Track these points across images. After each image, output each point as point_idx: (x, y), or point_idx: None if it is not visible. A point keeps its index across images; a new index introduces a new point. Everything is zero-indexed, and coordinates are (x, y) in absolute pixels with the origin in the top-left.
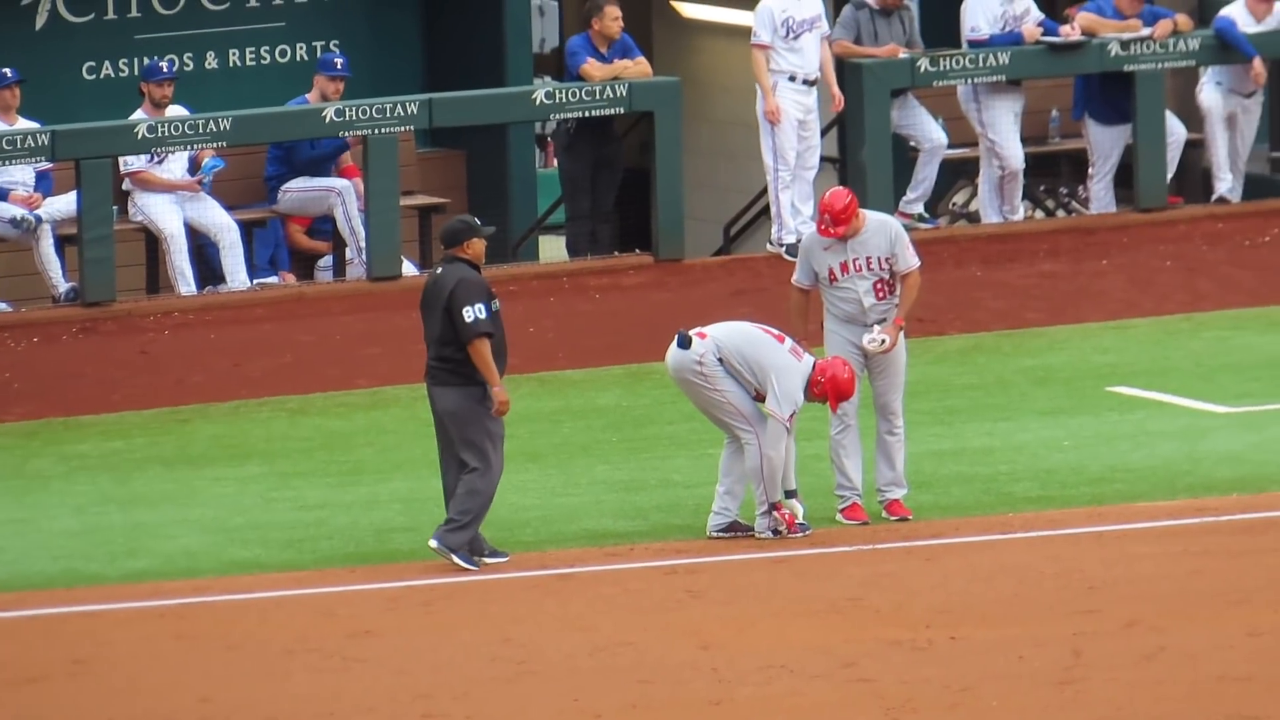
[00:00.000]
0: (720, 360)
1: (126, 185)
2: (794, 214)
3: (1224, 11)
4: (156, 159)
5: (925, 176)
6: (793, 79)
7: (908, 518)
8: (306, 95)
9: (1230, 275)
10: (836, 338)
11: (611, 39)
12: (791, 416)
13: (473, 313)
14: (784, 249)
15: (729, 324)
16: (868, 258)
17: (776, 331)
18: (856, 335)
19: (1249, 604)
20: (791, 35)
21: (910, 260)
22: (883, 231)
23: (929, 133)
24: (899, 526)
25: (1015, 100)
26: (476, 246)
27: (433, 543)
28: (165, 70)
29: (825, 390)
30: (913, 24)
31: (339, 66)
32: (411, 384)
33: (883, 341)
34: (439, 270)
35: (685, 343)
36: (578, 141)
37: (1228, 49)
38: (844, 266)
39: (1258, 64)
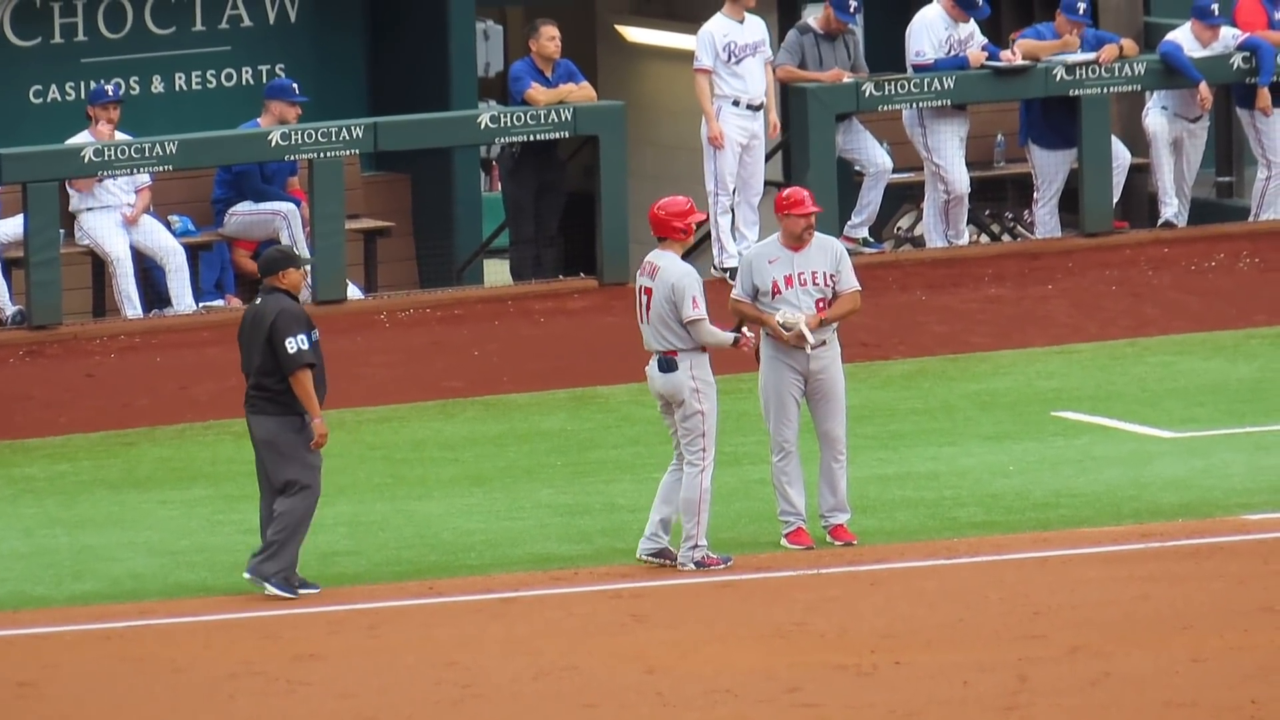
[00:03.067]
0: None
1: (74, 205)
2: (739, 239)
3: (1170, 36)
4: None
5: (870, 201)
6: (736, 103)
7: (852, 542)
8: (258, 120)
9: (1175, 300)
10: (775, 364)
11: (550, 59)
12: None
13: (295, 344)
14: (726, 273)
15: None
16: (813, 272)
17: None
18: (798, 362)
19: (1194, 629)
20: (734, 60)
21: (853, 281)
22: (828, 248)
23: (874, 157)
24: (843, 551)
25: (960, 124)
26: (293, 277)
27: (246, 574)
28: (111, 94)
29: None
30: (857, 48)
31: (297, 92)
32: (356, 407)
33: (795, 322)
34: (258, 300)
35: (669, 365)
36: (522, 165)
37: (1173, 74)
38: (789, 280)
39: (1203, 88)
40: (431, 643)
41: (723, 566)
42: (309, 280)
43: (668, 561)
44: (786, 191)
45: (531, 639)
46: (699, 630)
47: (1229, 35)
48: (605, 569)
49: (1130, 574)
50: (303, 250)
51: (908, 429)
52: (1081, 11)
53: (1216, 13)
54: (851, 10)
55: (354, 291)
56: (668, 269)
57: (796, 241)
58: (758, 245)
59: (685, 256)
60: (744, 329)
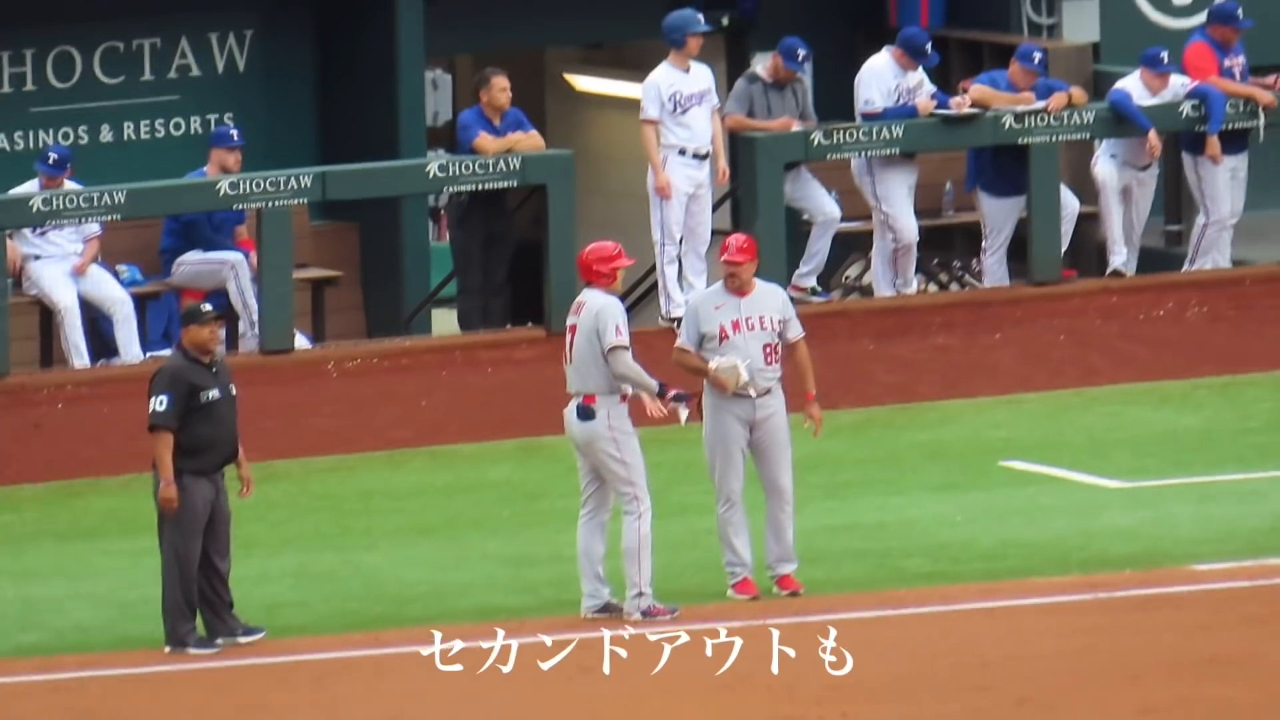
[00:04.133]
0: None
1: (24, 248)
2: (686, 288)
3: (1119, 84)
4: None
5: (818, 250)
6: (683, 153)
7: (799, 592)
8: (204, 169)
9: (1124, 349)
10: (721, 414)
11: (501, 109)
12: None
13: (152, 404)
14: (674, 322)
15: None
16: (760, 316)
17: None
18: (744, 410)
19: (1141, 681)
20: (680, 109)
21: (800, 328)
22: (774, 294)
23: (822, 206)
24: (789, 602)
25: (909, 173)
26: (191, 333)
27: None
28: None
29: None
30: (805, 96)
31: (235, 138)
32: (304, 457)
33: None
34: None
35: (587, 414)
36: (470, 214)
37: (1123, 122)
38: (735, 324)
39: (1153, 136)
40: (377, 694)
41: (669, 617)
42: (255, 330)
43: (613, 614)
44: (728, 239)
45: (479, 691)
46: (646, 682)
47: (1178, 84)
48: (552, 619)
49: (1078, 625)
50: (251, 301)
51: (855, 478)
52: (1037, 61)
53: (1165, 60)
54: (799, 59)
55: (302, 341)
56: (592, 301)
57: (738, 287)
58: (702, 291)
59: (633, 305)
60: (682, 402)
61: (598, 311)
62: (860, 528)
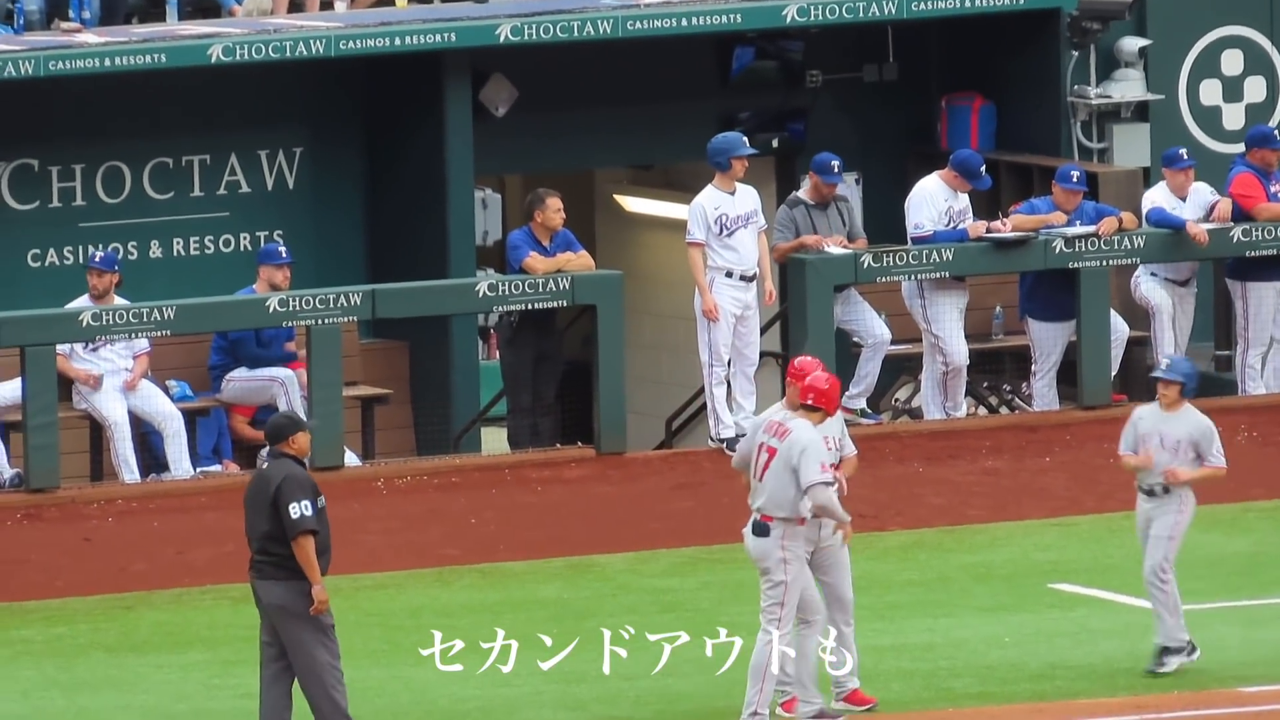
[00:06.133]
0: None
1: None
2: (736, 409)
3: (1146, 196)
4: (91, 349)
5: (868, 372)
6: (729, 274)
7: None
8: (254, 286)
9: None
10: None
11: (554, 230)
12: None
13: (299, 509)
14: (723, 444)
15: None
16: (825, 437)
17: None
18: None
19: None
20: (726, 232)
21: (853, 446)
22: (834, 417)
23: (872, 328)
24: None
25: (959, 296)
26: (300, 442)
27: None
28: (100, 261)
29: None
30: (852, 215)
31: (283, 255)
32: (354, 574)
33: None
34: (264, 465)
35: (763, 530)
36: (520, 334)
37: (1172, 246)
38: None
39: (1192, 227)
40: None
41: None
42: None
43: None
44: (798, 360)
45: None
46: None
47: (1205, 190)
48: None
49: None
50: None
51: (904, 600)
52: (1075, 180)
53: (1185, 156)
54: (835, 170)
55: (351, 458)
56: (799, 435)
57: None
58: (768, 411)
59: (680, 427)
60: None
61: (804, 449)
62: (909, 649)
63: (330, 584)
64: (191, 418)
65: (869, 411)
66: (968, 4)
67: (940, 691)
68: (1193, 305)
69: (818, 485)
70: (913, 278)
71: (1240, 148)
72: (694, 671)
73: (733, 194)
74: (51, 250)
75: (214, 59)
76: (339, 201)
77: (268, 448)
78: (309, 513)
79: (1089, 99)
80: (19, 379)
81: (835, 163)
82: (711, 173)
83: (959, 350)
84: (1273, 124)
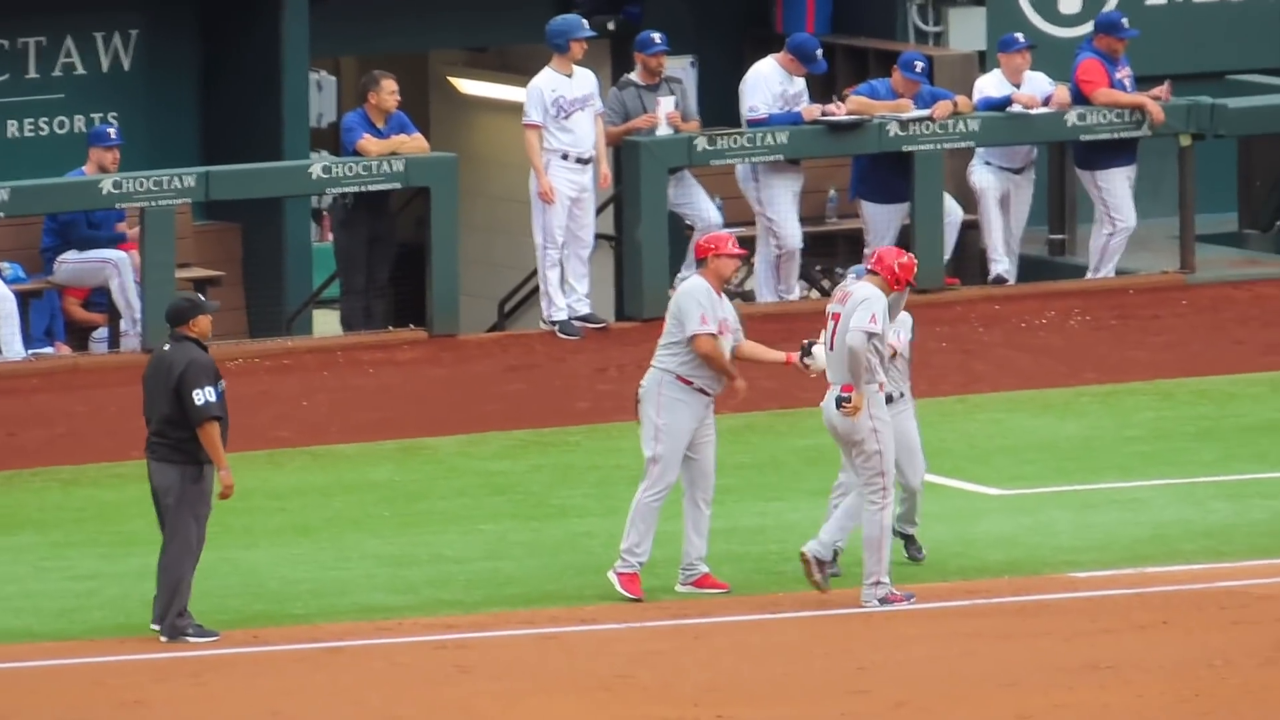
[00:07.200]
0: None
1: None
2: (569, 291)
3: (980, 89)
4: None
5: None
6: (565, 157)
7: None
8: (83, 168)
9: (1006, 357)
10: (682, 410)
11: (388, 112)
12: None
13: (202, 395)
14: (556, 326)
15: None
16: (723, 318)
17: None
18: (700, 409)
19: (1019, 687)
20: (563, 114)
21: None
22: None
23: (704, 212)
24: (668, 604)
25: (793, 179)
26: (202, 324)
27: (162, 638)
28: None
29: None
30: (686, 97)
31: (112, 136)
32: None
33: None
34: (166, 347)
35: (846, 402)
36: (354, 216)
37: (1007, 130)
38: (725, 322)
39: (1019, 96)
40: (256, 692)
41: (906, 604)
42: (137, 328)
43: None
44: (711, 236)
45: (355, 689)
46: (523, 682)
47: (1043, 80)
48: (430, 620)
49: (956, 631)
50: (134, 300)
51: (735, 483)
52: (919, 70)
53: (1021, 40)
54: (656, 42)
55: None
56: (859, 291)
57: (720, 284)
58: (697, 282)
59: (513, 310)
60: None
61: (864, 300)
62: (739, 532)
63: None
64: (25, 299)
65: None
66: None
67: (771, 575)
68: (1029, 192)
69: (864, 334)
70: (747, 161)
71: (1077, 32)
72: (524, 555)
73: (570, 77)
74: None
75: None
76: (174, 84)
77: (169, 330)
78: (213, 399)
79: None
80: None
81: (656, 35)
82: (548, 55)
83: (793, 233)
84: (1109, 7)
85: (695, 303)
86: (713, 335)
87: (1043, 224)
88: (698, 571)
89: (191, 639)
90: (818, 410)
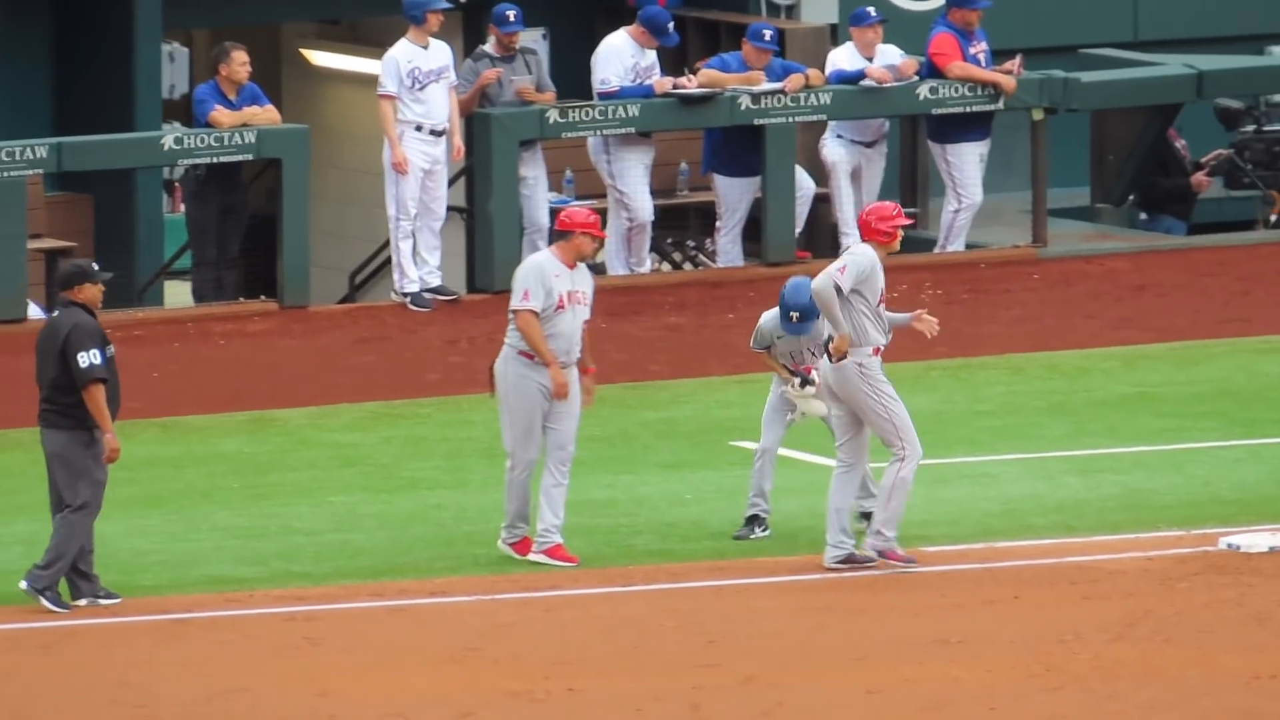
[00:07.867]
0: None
1: None
2: (420, 264)
3: (832, 62)
4: None
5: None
6: (419, 129)
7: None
8: None
9: None
10: (528, 383)
11: (239, 83)
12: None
13: (87, 358)
14: (407, 298)
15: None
16: (582, 291)
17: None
18: (548, 380)
19: (868, 661)
20: (418, 85)
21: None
22: (586, 273)
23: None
24: (518, 577)
25: (645, 153)
26: (90, 291)
27: (23, 584)
28: None
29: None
30: (540, 68)
31: None
32: (34, 427)
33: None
34: (55, 314)
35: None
36: (206, 188)
37: (859, 103)
38: (572, 295)
39: (871, 70)
40: (106, 663)
41: (903, 565)
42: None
43: (855, 565)
44: (574, 210)
45: (204, 661)
46: (372, 654)
47: (893, 52)
48: (280, 591)
49: (805, 604)
50: None
51: (585, 456)
52: (768, 39)
53: (873, 14)
54: (511, 20)
55: (35, 311)
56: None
57: (577, 260)
58: (539, 257)
59: (364, 281)
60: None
61: (849, 252)
62: (590, 504)
63: (12, 436)
64: None
65: None
66: None
67: (621, 549)
68: (881, 165)
69: (831, 287)
70: (599, 134)
71: (929, 6)
72: (374, 527)
73: (426, 48)
74: None
75: None
76: (25, 54)
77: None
78: (98, 361)
79: None
80: None
81: (512, 12)
82: (400, 28)
83: (644, 206)
84: None
85: (523, 278)
86: (533, 312)
87: (894, 197)
88: (520, 535)
89: (46, 603)
90: (669, 383)
